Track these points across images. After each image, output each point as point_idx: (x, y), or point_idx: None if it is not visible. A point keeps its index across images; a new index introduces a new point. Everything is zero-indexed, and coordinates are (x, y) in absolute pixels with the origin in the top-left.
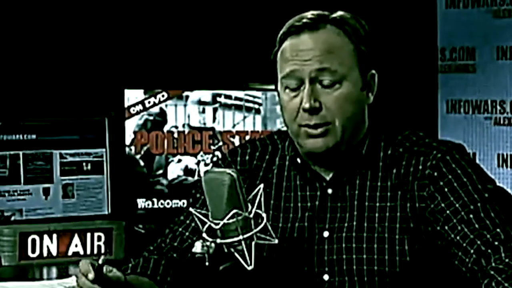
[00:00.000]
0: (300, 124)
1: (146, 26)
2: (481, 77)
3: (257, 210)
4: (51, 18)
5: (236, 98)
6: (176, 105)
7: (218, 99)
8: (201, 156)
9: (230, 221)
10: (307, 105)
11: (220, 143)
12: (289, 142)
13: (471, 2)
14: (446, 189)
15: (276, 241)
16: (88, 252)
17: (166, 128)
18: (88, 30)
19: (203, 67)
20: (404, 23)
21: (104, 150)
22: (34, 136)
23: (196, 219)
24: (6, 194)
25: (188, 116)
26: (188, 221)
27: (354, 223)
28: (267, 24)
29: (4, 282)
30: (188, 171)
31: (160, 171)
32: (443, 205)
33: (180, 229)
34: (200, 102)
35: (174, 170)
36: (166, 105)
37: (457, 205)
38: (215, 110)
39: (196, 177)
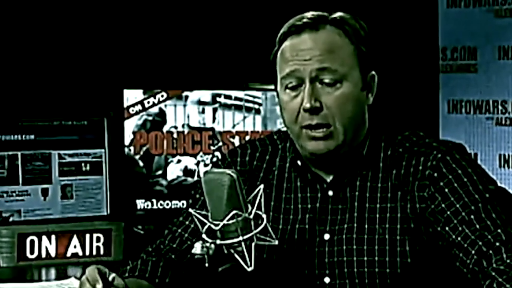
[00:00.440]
0: (302, 125)
1: (145, 26)
2: (483, 77)
3: (257, 211)
4: (50, 18)
5: (236, 98)
6: (175, 105)
7: (218, 99)
8: (201, 156)
9: (230, 222)
10: (308, 105)
11: (220, 144)
12: (289, 143)
13: (472, 2)
14: (446, 190)
15: (276, 242)
16: (87, 253)
17: (165, 129)
18: (87, 30)
19: (203, 67)
20: (405, 23)
21: (103, 150)
22: (32, 137)
23: (195, 220)
24: (5, 195)
25: (188, 117)
26: (187, 222)
27: (355, 224)
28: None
29: (2, 284)
30: (187, 171)
31: (160, 172)
32: (443, 205)
33: (179, 230)
34: (199, 102)
35: (174, 171)
36: (165, 105)
37: (457, 206)
38: (214, 110)
39: (195, 178)
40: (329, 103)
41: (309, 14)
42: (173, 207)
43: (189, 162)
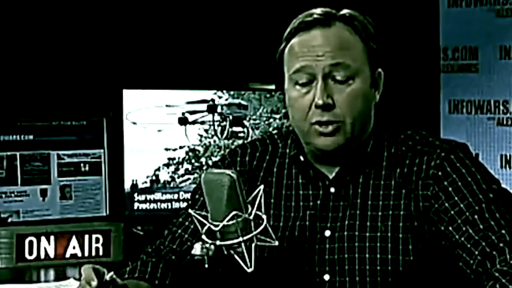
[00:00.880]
0: (312, 121)
1: (145, 26)
2: (484, 77)
3: (257, 211)
4: (49, 18)
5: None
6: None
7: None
8: None
9: (230, 222)
10: (320, 101)
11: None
12: (291, 141)
13: (473, 1)
14: (450, 189)
15: (277, 243)
16: (86, 254)
17: None
18: (86, 30)
19: (203, 67)
20: (406, 23)
21: (102, 151)
22: (31, 137)
23: (195, 220)
24: (3, 196)
25: None
26: (187, 223)
27: (357, 222)
28: (267, 24)
29: (1, 285)
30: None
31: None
32: (447, 205)
33: (179, 231)
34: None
35: None
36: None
37: (461, 206)
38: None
39: None
40: (341, 100)
41: (318, 11)
42: (173, 207)
43: None
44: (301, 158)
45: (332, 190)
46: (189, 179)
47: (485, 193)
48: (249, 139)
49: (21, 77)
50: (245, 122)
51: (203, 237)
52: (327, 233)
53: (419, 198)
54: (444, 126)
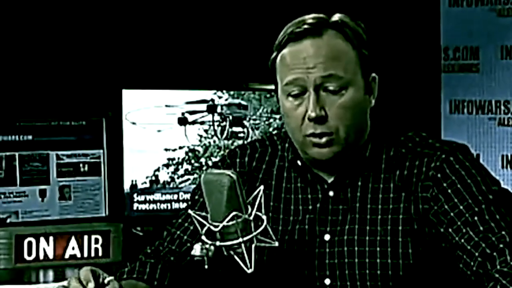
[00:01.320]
0: (306, 134)
1: (144, 26)
2: (485, 77)
3: (257, 212)
4: (48, 18)
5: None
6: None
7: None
8: None
9: (230, 223)
10: (313, 114)
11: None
12: (289, 144)
13: (474, 1)
14: (449, 191)
15: (277, 243)
16: (85, 254)
17: None
18: (86, 30)
19: (203, 67)
20: (407, 22)
21: (101, 151)
22: (30, 137)
23: (195, 221)
24: (2, 196)
25: None
26: (186, 224)
27: (356, 226)
28: (267, 25)
29: (0, 286)
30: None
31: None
32: (446, 207)
33: (178, 232)
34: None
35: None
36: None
37: (461, 207)
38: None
39: None
40: (333, 112)
41: (308, 19)
42: (172, 208)
43: None
44: (299, 162)
45: (331, 193)
46: (188, 179)
47: (485, 194)
48: (249, 139)
49: (20, 77)
50: (245, 122)
51: (203, 238)
52: (327, 237)
53: (419, 200)
54: (445, 126)
